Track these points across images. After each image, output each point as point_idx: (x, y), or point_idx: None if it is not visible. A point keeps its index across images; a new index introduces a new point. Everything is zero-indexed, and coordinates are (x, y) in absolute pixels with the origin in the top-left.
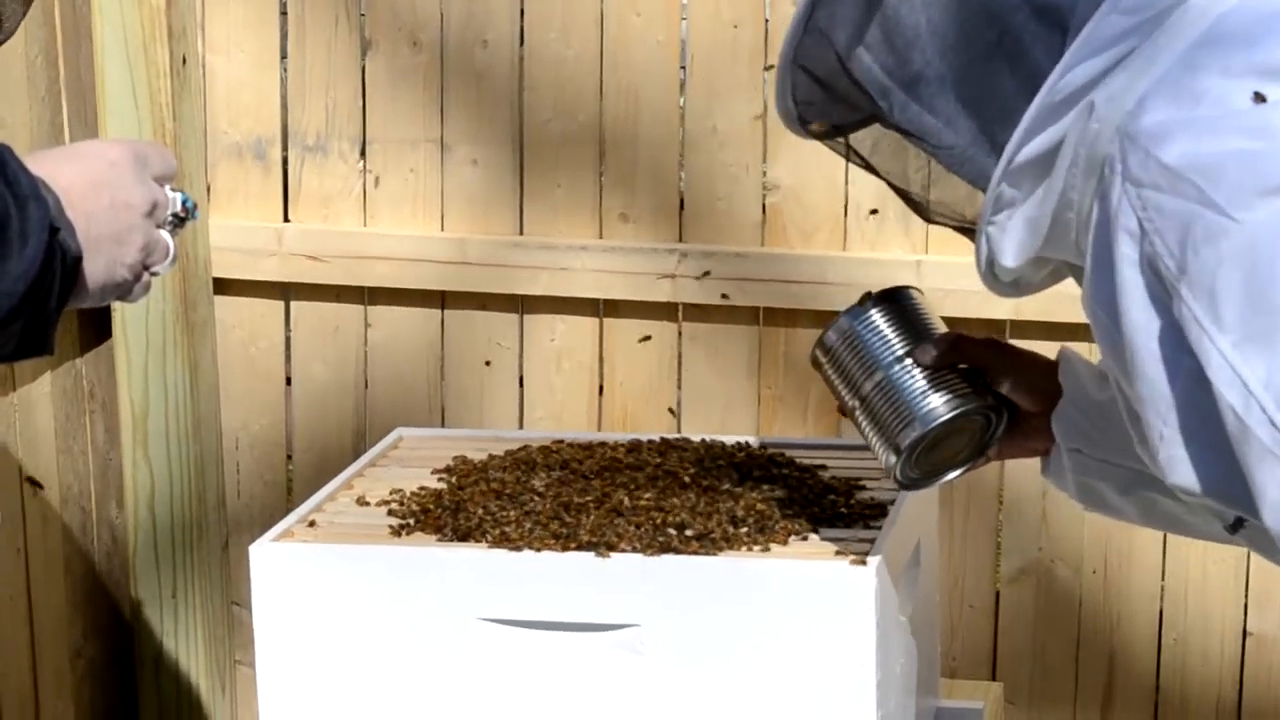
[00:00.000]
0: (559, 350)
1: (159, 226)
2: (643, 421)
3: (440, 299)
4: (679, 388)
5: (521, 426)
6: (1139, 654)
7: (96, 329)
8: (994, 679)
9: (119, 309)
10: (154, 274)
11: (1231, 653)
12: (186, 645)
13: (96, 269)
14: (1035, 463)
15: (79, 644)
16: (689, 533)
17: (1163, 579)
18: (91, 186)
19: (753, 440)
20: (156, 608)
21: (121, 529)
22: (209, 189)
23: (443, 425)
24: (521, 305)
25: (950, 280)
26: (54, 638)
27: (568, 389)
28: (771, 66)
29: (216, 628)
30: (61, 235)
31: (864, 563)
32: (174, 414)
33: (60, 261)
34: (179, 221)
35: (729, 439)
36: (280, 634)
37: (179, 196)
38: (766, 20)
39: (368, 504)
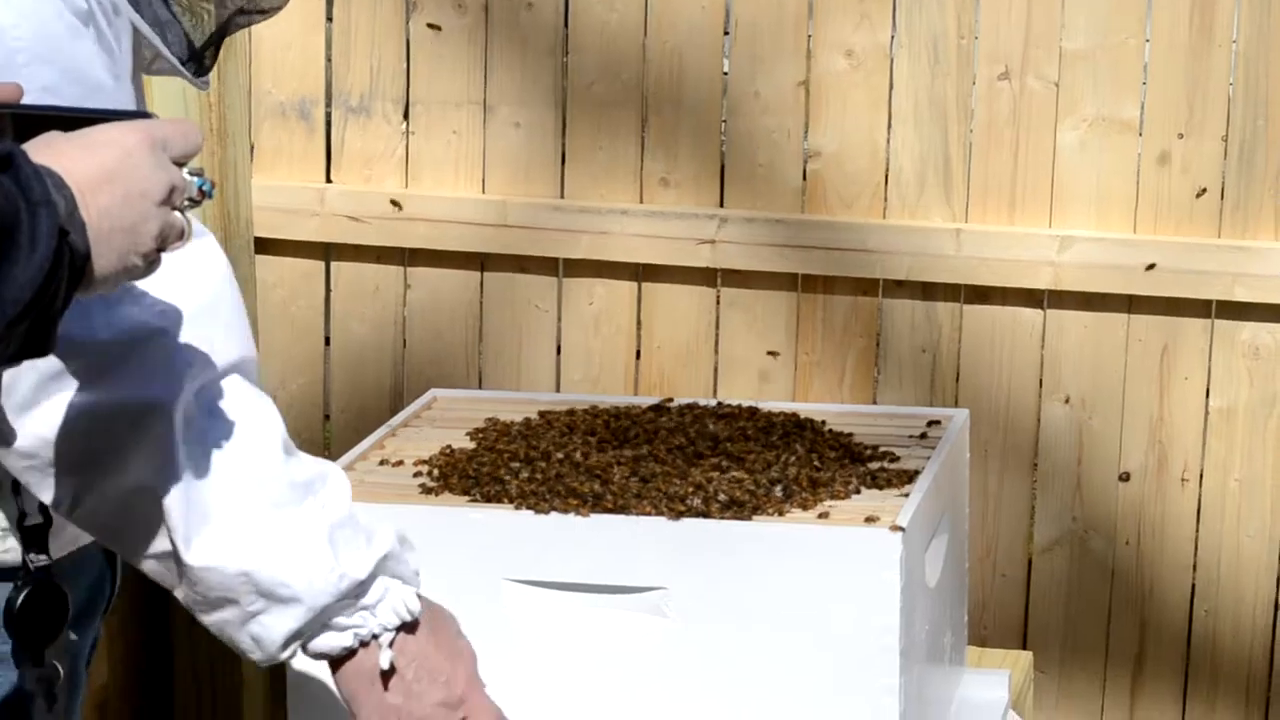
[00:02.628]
0: (597, 314)
1: (174, 209)
2: (679, 386)
3: (480, 261)
4: (716, 353)
5: (558, 389)
6: (1170, 626)
7: None
8: (1025, 648)
9: None
10: (172, 251)
11: (1263, 625)
12: None
13: (108, 261)
14: (1070, 431)
15: (113, 601)
16: (719, 497)
17: (1196, 551)
18: (106, 179)
19: (787, 406)
20: None
21: None
22: (253, 148)
23: (480, 387)
24: (561, 268)
25: (988, 249)
26: None
27: (605, 352)
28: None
29: None
30: (71, 237)
31: (891, 529)
32: None
33: (69, 264)
34: (195, 203)
35: (764, 404)
36: None
37: (196, 181)
38: None
39: (401, 463)
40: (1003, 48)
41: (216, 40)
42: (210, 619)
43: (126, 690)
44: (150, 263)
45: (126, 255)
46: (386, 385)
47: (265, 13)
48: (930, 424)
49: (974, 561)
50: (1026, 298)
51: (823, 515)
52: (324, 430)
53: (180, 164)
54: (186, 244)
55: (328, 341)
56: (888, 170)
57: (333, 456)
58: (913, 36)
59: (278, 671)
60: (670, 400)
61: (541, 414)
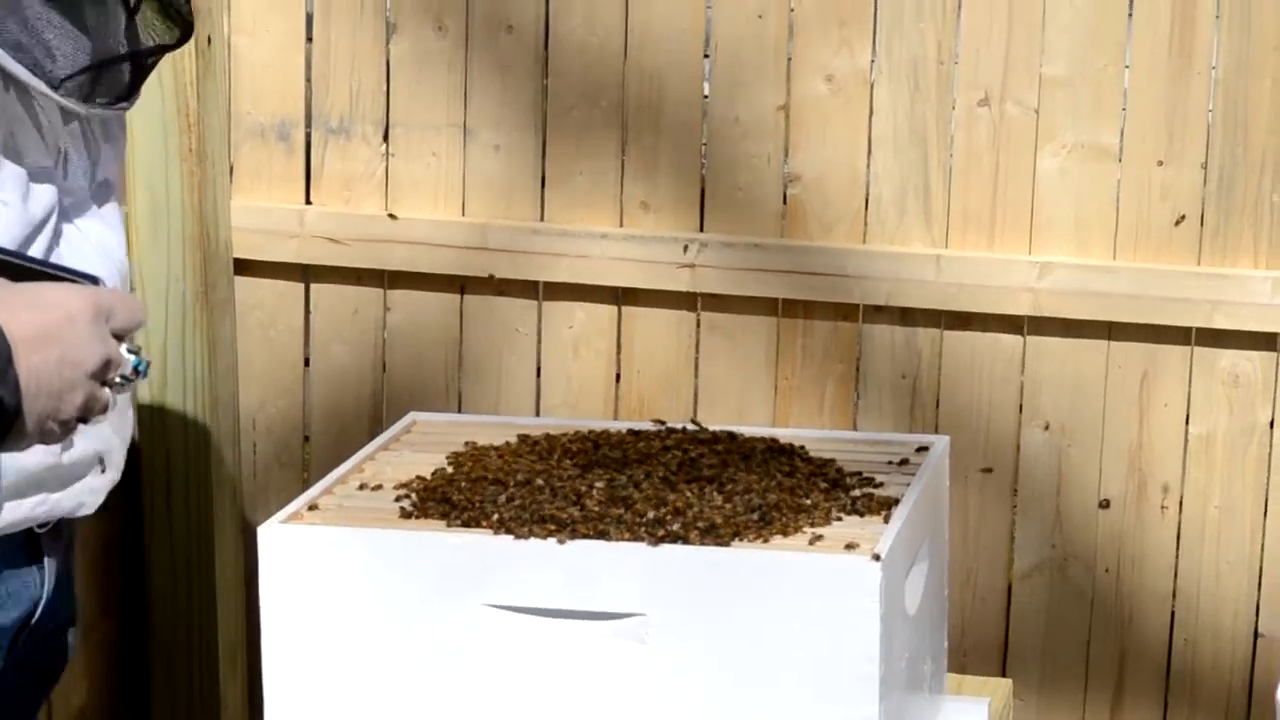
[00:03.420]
0: (576, 337)
1: (104, 384)
2: (659, 410)
3: (460, 284)
4: (696, 377)
5: (538, 413)
6: (1150, 654)
7: None
8: (1004, 675)
9: (140, 287)
10: (91, 424)
11: (1243, 653)
12: (200, 625)
13: (30, 422)
14: (1050, 457)
15: (93, 620)
16: (698, 523)
17: (1175, 579)
18: (44, 340)
19: (767, 431)
20: (170, 587)
21: (137, 508)
22: (232, 170)
23: (460, 410)
24: (540, 292)
25: (969, 275)
26: None
27: (585, 376)
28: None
29: (230, 608)
30: (0, 394)
31: (870, 557)
32: (192, 394)
33: None
34: (126, 381)
35: (744, 429)
36: (287, 615)
37: (132, 361)
38: (791, 10)
39: (380, 487)
40: (982, 73)
41: (96, 71)
42: None
43: (105, 711)
44: (66, 431)
45: (45, 420)
46: (366, 408)
47: (163, 49)
48: (919, 450)
49: (954, 588)
50: (1006, 324)
51: (801, 542)
52: (303, 452)
53: (119, 338)
54: (106, 419)
55: (307, 363)
56: (868, 195)
57: (312, 479)
58: (892, 62)
59: (256, 694)
60: (656, 424)
61: (520, 438)
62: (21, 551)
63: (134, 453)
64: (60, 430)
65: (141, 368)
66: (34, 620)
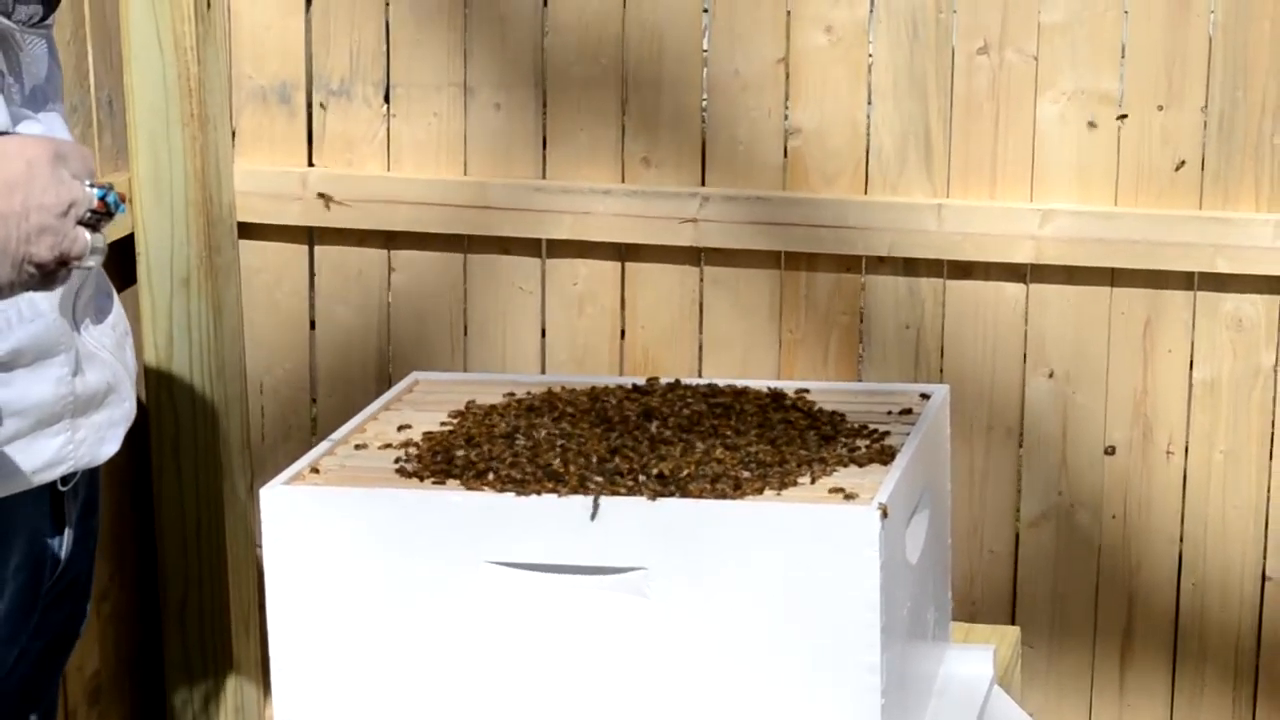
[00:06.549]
0: (581, 294)
1: (79, 223)
2: (664, 365)
3: (463, 243)
4: (700, 332)
5: (544, 370)
6: (1158, 598)
7: (121, 272)
8: (1013, 623)
9: (143, 252)
10: (79, 268)
11: (1250, 597)
12: (211, 589)
13: (2, 268)
14: (1055, 405)
15: (104, 588)
16: (700, 476)
17: (1182, 524)
18: (6, 187)
19: (771, 384)
20: (181, 552)
21: (145, 475)
22: (234, 133)
23: (465, 369)
24: (544, 249)
25: (970, 224)
26: None
27: (590, 333)
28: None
29: (241, 571)
30: None
31: (869, 506)
32: (198, 358)
33: None
34: (102, 216)
35: (747, 383)
36: (291, 576)
37: (96, 193)
38: None
39: (386, 447)
40: (981, 22)
41: None
42: None
43: (118, 678)
44: (47, 275)
45: (20, 264)
46: (372, 369)
47: None
48: (921, 398)
49: (961, 537)
50: (1009, 272)
51: (801, 493)
52: (311, 414)
53: (81, 180)
54: (97, 261)
55: (313, 325)
56: (868, 146)
57: (320, 440)
58: (891, 12)
59: (268, 659)
60: (654, 379)
61: (522, 395)
62: (48, 519)
63: (142, 417)
64: (39, 275)
65: (111, 199)
66: (48, 588)
